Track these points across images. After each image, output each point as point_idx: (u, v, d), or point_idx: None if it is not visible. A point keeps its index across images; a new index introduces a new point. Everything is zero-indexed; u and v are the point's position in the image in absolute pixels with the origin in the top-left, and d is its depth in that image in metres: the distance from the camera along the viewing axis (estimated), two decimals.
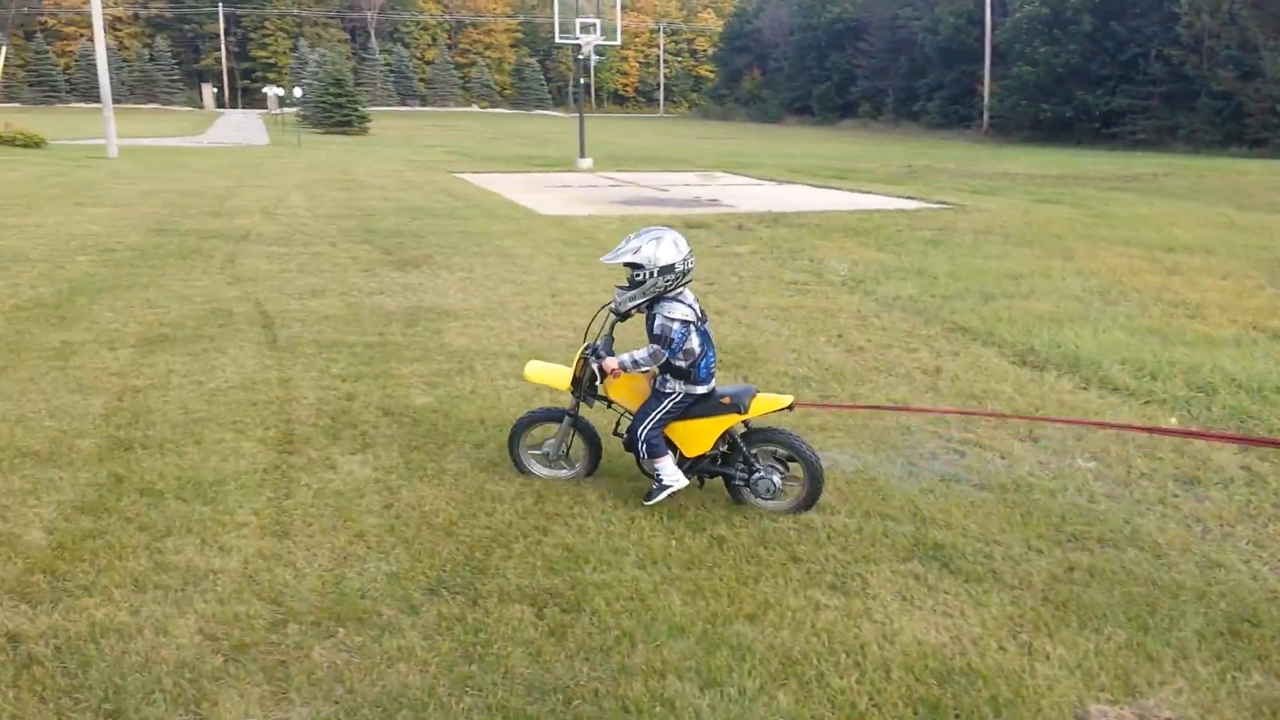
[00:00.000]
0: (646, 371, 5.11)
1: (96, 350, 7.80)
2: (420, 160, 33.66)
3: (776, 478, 5.03)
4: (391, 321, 9.03)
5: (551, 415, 5.53)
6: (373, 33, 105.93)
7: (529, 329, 8.92)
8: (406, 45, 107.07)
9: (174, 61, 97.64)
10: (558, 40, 29.19)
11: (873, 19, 75.04)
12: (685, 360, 4.93)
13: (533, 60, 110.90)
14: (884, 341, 8.53)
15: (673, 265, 4.81)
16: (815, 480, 4.99)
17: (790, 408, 5.10)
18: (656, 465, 5.03)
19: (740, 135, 62.20)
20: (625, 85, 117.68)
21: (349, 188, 21.89)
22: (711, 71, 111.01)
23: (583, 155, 29.88)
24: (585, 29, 28.18)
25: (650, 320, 4.93)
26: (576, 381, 5.28)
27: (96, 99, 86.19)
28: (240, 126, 62.41)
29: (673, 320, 4.82)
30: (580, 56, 29.36)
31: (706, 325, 5.06)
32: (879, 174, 29.03)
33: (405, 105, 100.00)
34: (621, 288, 5.01)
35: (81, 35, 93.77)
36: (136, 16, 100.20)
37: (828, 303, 10.17)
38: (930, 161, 35.34)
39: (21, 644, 3.75)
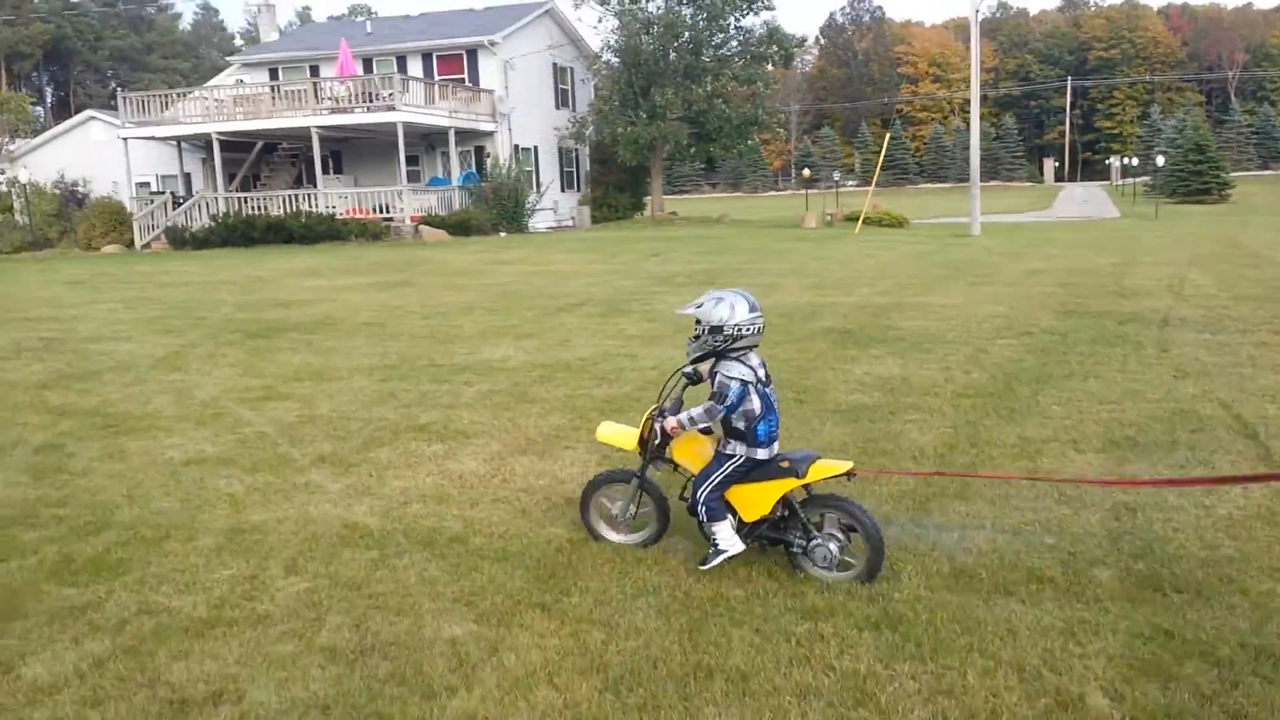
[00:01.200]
0: (709, 433, 5.26)
1: (1062, 450, 7.10)
2: None
3: (834, 545, 4.97)
4: None
5: (623, 476, 5.61)
6: (1232, 93, 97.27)
7: None
8: (1273, 104, 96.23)
9: (1018, 138, 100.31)
10: None
11: None
12: (744, 422, 5.03)
13: None
14: None
15: (721, 327, 4.97)
16: (876, 551, 4.90)
17: (850, 475, 5.01)
18: (714, 529, 5.07)
19: None
20: None
21: (1254, 264, 19.25)
22: None
23: None
24: None
25: (712, 379, 5.05)
26: (643, 442, 5.40)
27: (942, 179, 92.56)
28: (1084, 199, 61.18)
29: (731, 379, 4.94)
30: None
31: (770, 389, 5.10)
32: None
33: (1268, 169, 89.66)
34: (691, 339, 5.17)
35: (932, 120, 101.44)
36: (985, 98, 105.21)
37: None
38: None
39: None
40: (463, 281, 19.15)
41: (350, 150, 37.33)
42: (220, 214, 31.85)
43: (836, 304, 14.81)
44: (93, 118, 41.67)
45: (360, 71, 35.07)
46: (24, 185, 37.39)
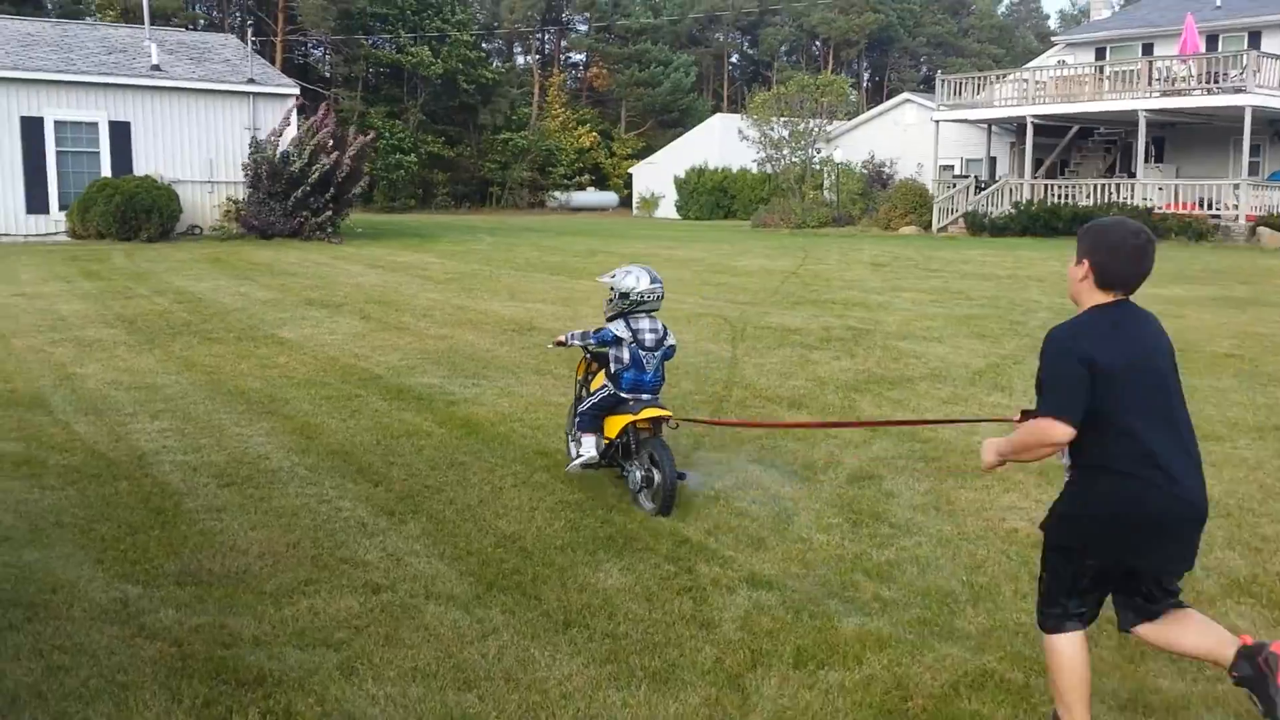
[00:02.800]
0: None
1: None
2: None
3: (639, 474, 6.07)
4: None
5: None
6: None
7: None
8: None
9: None
10: None
11: None
12: (613, 365, 6.28)
13: None
14: None
15: (628, 293, 6.25)
16: (667, 492, 5.88)
17: (671, 420, 6.30)
18: (581, 437, 6.39)
19: None
20: None
21: None
22: None
23: None
24: None
25: None
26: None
27: None
28: None
29: (612, 327, 6.29)
30: None
31: (646, 355, 6.23)
32: None
33: None
34: (606, 303, 6.57)
35: None
36: None
37: None
38: None
39: None
40: None
41: (1175, 137, 32.90)
42: (1023, 201, 30.03)
43: None
44: (907, 100, 42.64)
45: (1203, 49, 30.46)
46: (835, 164, 39.47)
